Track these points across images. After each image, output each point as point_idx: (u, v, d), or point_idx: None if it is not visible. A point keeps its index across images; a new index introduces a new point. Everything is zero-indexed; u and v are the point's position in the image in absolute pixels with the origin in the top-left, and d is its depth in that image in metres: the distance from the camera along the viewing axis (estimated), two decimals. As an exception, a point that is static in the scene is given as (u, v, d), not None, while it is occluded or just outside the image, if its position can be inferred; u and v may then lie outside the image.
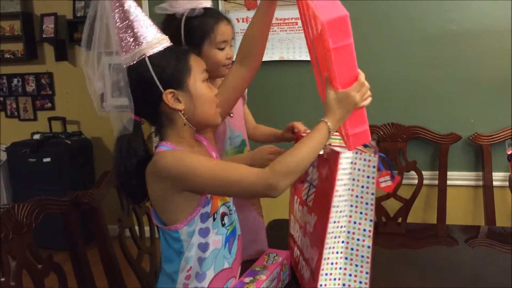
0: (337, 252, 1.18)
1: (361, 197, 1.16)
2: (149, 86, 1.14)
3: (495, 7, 2.20)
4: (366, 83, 1.06)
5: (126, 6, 1.14)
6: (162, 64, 1.14)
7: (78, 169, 3.62)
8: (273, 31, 2.41)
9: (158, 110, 1.16)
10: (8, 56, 3.87)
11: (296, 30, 2.44)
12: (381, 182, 1.26)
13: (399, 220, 2.32)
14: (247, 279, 1.21)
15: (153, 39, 1.14)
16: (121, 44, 1.14)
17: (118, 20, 1.14)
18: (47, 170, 3.51)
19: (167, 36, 1.18)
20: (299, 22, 2.33)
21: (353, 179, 1.15)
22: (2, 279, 1.13)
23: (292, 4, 2.32)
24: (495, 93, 2.26)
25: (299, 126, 1.55)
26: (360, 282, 1.18)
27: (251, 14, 2.39)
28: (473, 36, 2.25)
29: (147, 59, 1.13)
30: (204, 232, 1.17)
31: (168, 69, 1.14)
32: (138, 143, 1.18)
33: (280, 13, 2.39)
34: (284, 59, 2.50)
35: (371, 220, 1.16)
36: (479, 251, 1.78)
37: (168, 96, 1.14)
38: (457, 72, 2.29)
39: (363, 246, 1.17)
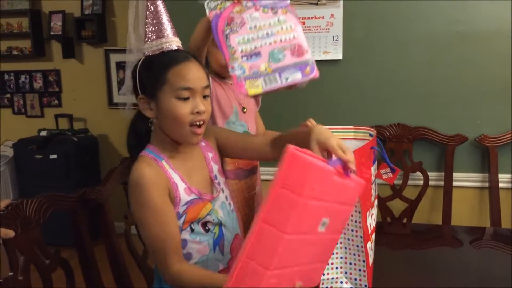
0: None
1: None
2: (135, 83, 1.18)
3: (502, 8, 2.20)
4: None
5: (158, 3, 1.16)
6: (147, 68, 1.14)
7: (84, 166, 3.64)
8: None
9: None
10: (16, 53, 3.89)
11: (306, 29, 2.43)
12: (383, 174, 1.26)
13: (404, 220, 2.32)
14: None
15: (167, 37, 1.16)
16: (146, 33, 1.16)
17: (149, 15, 1.16)
18: (54, 167, 3.53)
19: (178, 39, 1.18)
20: (307, 22, 2.36)
21: None
22: (10, 274, 1.14)
23: (302, 3, 2.33)
24: (502, 94, 2.25)
25: (313, 121, 1.56)
26: (360, 270, 1.22)
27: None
28: (480, 37, 2.24)
29: (141, 59, 1.16)
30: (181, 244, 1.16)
31: (147, 76, 1.14)
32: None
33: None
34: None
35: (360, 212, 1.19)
36: (484, 252, 1.78)
37: (140, 101, 1.16)
38: (463, 73, 2.28)
39: (356, 236, 1.20)
